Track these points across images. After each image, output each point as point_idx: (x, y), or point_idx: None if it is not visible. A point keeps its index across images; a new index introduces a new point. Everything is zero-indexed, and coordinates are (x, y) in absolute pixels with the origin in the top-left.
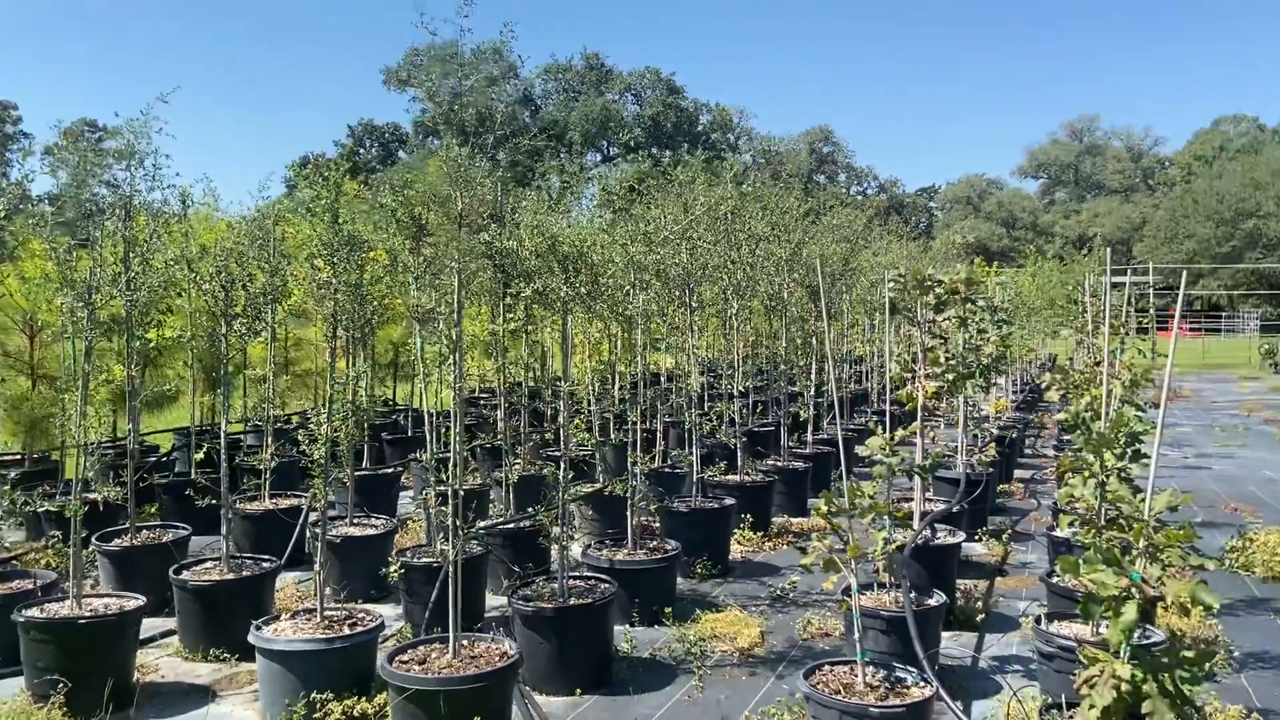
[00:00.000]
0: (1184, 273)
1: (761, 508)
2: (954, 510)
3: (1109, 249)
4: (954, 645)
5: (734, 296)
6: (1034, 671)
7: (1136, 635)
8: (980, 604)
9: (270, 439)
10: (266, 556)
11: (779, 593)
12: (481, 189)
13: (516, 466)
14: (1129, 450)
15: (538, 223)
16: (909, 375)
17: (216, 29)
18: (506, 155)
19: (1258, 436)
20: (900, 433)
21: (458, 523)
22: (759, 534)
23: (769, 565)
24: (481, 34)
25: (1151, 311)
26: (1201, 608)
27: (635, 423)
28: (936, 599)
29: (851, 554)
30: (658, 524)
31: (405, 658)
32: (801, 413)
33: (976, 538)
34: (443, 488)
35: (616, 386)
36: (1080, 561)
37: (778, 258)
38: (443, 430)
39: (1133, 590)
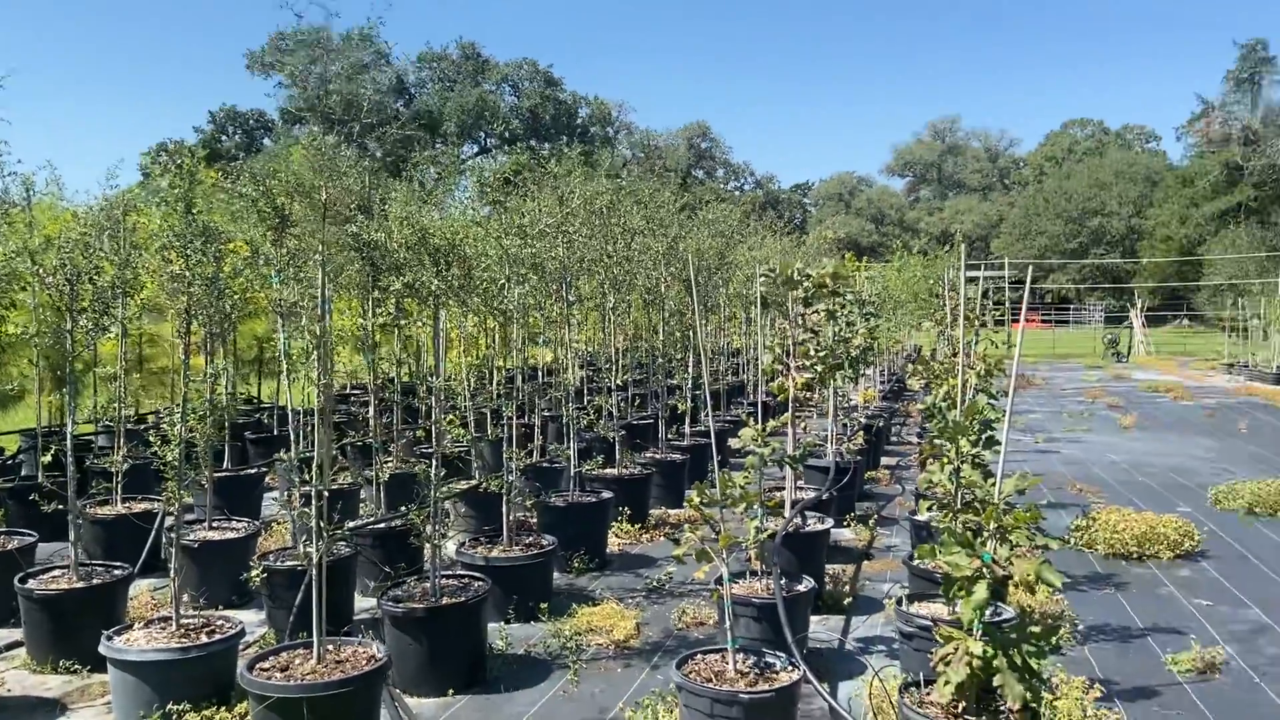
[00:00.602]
0: (1030, 268)
1: (639, 500)
2: (824, 498)
3: (964, 245)
4: (822, 629)
5: (611, 290)
6: (896, 651)
7: (989, 613)
8: (848, 588)
9: (123, 440)
10: (119, 564)
11: (655, 584)
12: (348, 179)
13: (388, 464)
14: (983, 437)
15: (407, 214)
16: (781, 368)
17: (69, 7)
18: (378, 145)
19: (1101, 421)
20: (772, 423)
21: (322, 524)
22: (637, 526)
23: (646, 557)
24: (350, 19)
25: (1006, 304)
26: (1048, 586)
27: (510, 418)
28: (806, 585)
29: (723, 544)
30: (535, 519)
31: (267, 665)
32: (679, 405)
33: (845, 524)
34: (307, 488)
35: (494, 381)
36: (937, 545)
37: (654, 252)
38: (309, 428)
39: (984, 571)
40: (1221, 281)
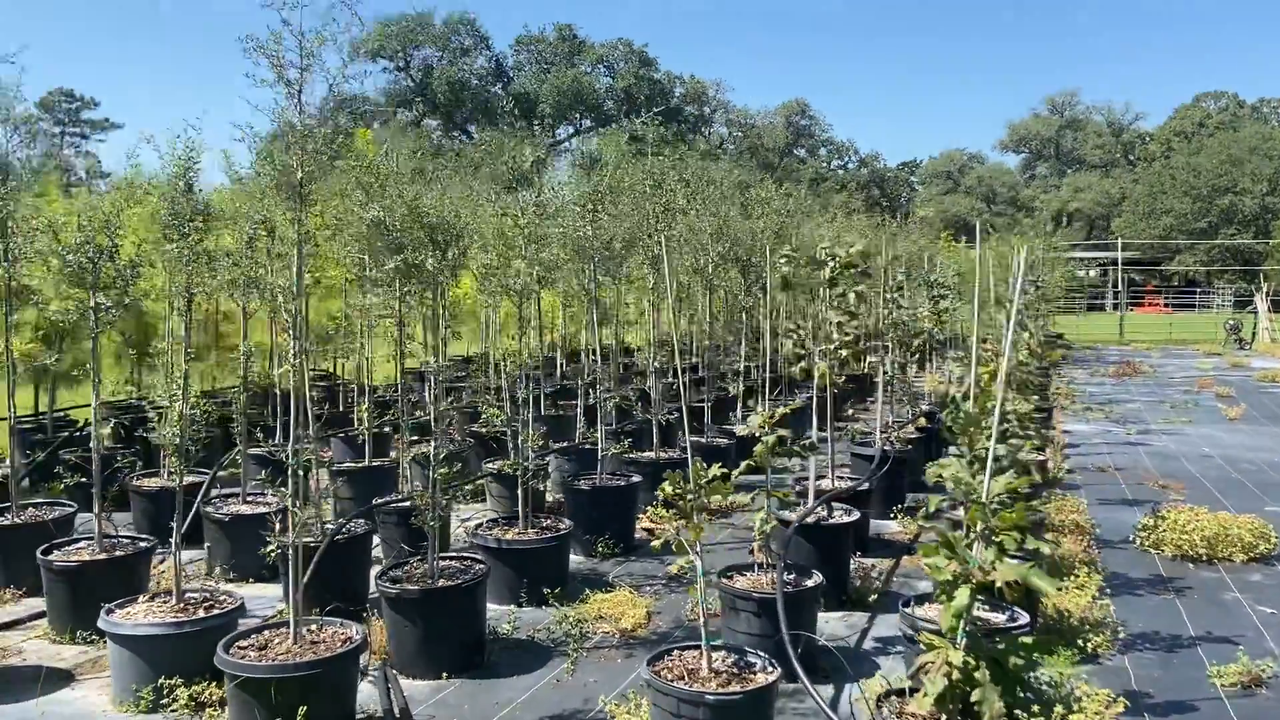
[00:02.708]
0: (1123, 247)
1: None
2: (865, 487)
3: (1083, 224)
4: (842, 626)
5: (652, 271)
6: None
7: (1004, 618)
8: (880, 583)
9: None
10: (145, 536)
11: (677, 572)
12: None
13: (426, 443)
14: (998, 430)
15: (401, 191)
16: (802, 352)
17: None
18: (480, 130)
19: (1205, 412)
20: (780, 411)
21: (298, 504)
22: (671, 512)
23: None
24: (451, 3)
25: (1122, 288)
26: (1094, 588)
27: (525, 400)
28: (814, 580)
29: (695, 536)
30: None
31: (245, 643)
32: (731, 389)
33: (892, 515)
34: (295, 463)
35: (559, 362)
36: (925, 546)
37: (703, 232)
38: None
39: (966, 575)
40: None
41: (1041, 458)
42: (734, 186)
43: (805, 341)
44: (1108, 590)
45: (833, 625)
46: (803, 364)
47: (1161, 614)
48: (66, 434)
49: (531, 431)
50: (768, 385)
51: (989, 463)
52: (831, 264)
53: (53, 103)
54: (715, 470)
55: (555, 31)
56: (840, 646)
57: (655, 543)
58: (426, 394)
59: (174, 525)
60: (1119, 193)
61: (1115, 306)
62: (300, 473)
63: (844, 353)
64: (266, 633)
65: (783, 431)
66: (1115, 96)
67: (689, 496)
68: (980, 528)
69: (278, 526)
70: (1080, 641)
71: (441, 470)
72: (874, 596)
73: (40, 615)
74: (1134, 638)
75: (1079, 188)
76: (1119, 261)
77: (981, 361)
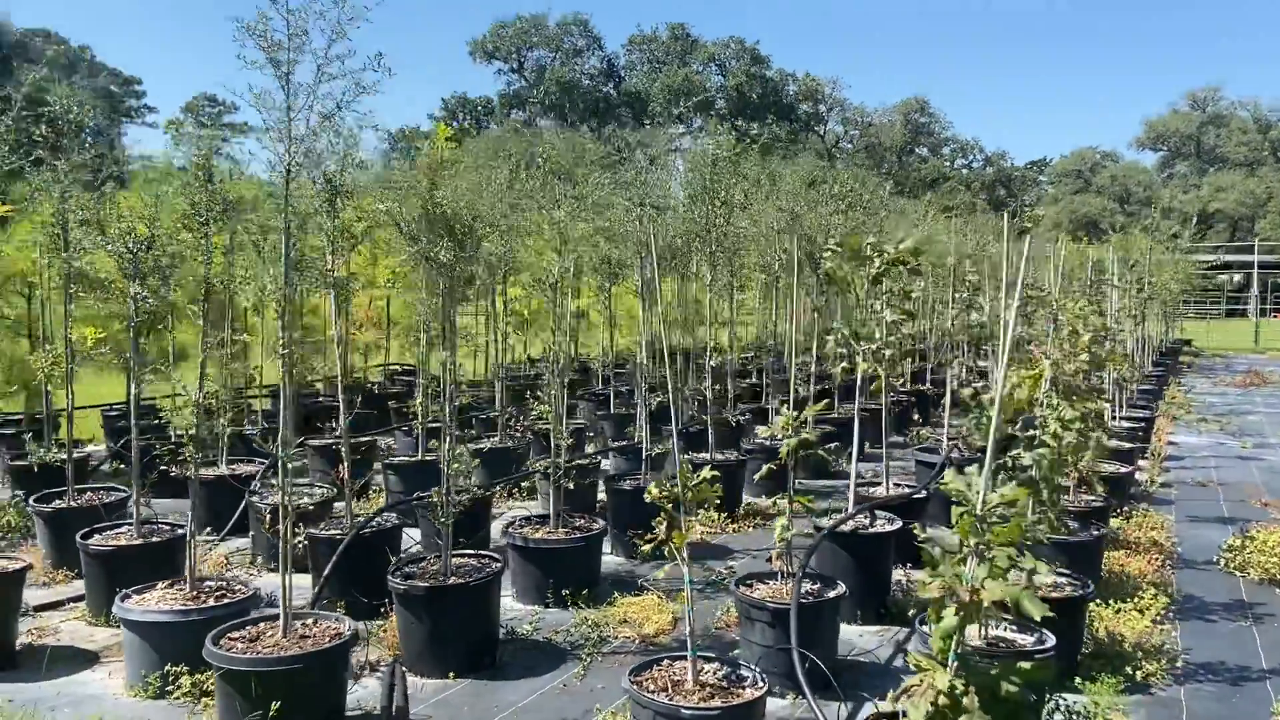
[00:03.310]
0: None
1: (731, 487)
2: (922, 495)
3: (1227, 225)
4: (875, 639)
5: (709, 268)
6: None
7: (1031, 640)
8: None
9: (227, 405)
10: (182, 523)
11: (716, 578)
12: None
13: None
14: (1025, 436)
15: (415, 185)
16: (844, 351)
17: None
18: (592, 131)
19: None
20: (808, 411)
21: (288, 501)
22: (724, 515)
23: (724, 548)
24: (565, 4)
25: (1259, 292)
26: (1156, 611)
27: (558, 398)
28: (837, 591)
29: (679, 542)
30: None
31: (236, 635)
32: (800, 390)
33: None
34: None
35: (641, 357)
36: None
37: (767, 227)
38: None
39: (956, 593)
40: None
41: (1126, 469)
42: (803, 183)
43: (850, 340)
44: (1174, 614)
45: (866, 639)
46: (844, 364)
47: (1233, 642)
48: (145, 422)
49: (565, 430)
50: (819, 387)
51: (985, 471)
52: (877, 260)
53: (197, 107)
54: (707, 472)
55: (668, 31)
56: (870, 661)
57: (645, 547)
58: (497, 391)
59: (189, 513)
60: (1264, 193)
61: (1265, 313)
62: (287, 466)
63: (888, 353)
64: (262, 625)
65: (808, 435)
66: (1262, 92)
67: (676, 498)
68: (973, 543)
69: (269, 519)
70: (1130, 669)
71: (456, 466)
72: (913, 610)
73: (83, 597)
74: (1196, 667)
75: (1221, 187)
76: (1255, 265)
77: (1027, 365)
